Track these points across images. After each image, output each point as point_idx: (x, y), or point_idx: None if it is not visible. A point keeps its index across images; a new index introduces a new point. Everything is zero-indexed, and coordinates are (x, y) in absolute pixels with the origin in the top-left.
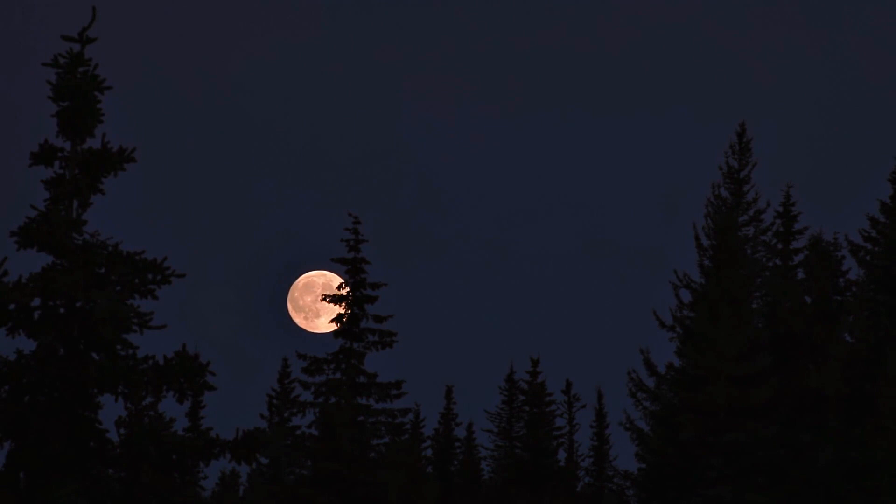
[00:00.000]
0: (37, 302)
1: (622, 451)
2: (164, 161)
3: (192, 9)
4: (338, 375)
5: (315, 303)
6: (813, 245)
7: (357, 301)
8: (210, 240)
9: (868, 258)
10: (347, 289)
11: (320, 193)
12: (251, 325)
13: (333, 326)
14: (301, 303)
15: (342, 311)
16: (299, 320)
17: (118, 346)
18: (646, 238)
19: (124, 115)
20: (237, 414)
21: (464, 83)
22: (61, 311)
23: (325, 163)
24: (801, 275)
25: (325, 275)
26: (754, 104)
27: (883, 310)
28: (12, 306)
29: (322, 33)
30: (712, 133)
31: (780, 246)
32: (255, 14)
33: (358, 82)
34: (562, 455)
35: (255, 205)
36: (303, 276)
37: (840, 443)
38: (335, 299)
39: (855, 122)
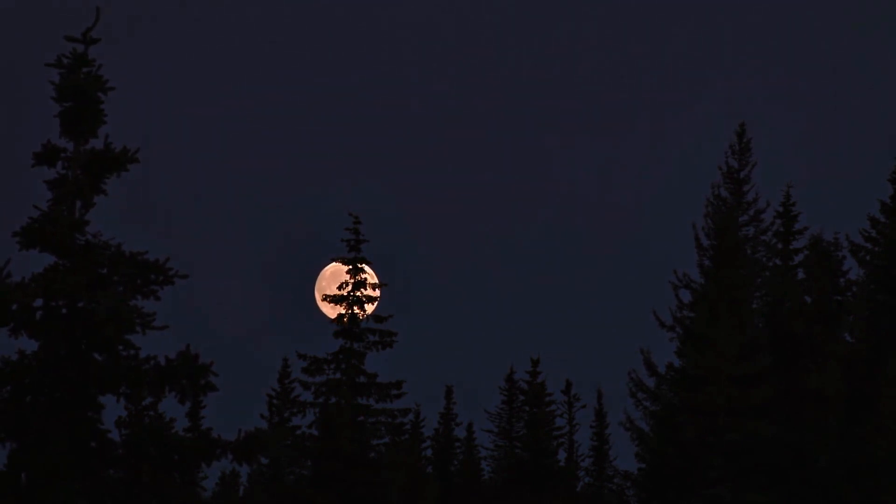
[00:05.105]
0: (39, 302)
1: (622, 451)
2: (167, 162)
3: (193, 9)
4: (338, 375)
5: None
6: (813, 245)
7: (357, 301)
8: (216, 239)
9: (868, 258)
10: (348, 289)
11: (324, 192)
12: (269, 319)
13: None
14: (328, 292)
15: (342, 311)
16: (327, 310)
17: (120, 347)
18: (646, 238)
19: (127, 116)
20: (237, 413)
21: (464, 81)
22: (63, 311)
23: (328, 161)
24: (801, 275)
25: None
26: (754, 104)
27: (883, 310)
28: (15, 306)
29: (326, 32)
30: (712, 133)
31: (780, 246)
32: (256, 14)
33: (361, 80)
34: (562, 455)
35: (259, 203)
36: (329, 265)
37: (840, 443)
38: (335, 299)
39: (855, 122)
